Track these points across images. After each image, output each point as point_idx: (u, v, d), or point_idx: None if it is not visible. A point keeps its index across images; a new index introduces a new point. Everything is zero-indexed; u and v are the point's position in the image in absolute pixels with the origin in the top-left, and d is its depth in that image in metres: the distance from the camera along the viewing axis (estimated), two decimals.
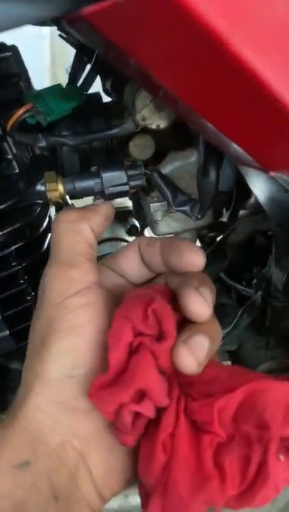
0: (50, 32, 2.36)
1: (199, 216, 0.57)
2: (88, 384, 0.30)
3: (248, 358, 0.72)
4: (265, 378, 0.30)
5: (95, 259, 0.37)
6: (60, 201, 0.55)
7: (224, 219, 0.79)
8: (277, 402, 0.28)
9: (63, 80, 0.64)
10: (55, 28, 0.77)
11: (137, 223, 0.95)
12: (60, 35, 0.80)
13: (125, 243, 0.89)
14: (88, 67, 0.68)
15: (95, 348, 0.32)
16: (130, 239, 0.91)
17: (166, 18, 0.26)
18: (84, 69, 0.69)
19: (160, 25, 0.26)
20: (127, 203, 0.98)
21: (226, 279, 0.85)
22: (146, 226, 0.98)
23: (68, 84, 0.66)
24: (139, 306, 0.31)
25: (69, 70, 0.68)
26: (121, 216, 0.95)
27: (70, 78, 0.67)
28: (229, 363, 0.68)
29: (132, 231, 0.93)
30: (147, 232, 1.01)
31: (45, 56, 2.63)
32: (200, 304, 0.31)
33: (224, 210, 0.83)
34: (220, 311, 0.84)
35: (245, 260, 0.87)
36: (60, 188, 0.54)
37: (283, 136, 0.33)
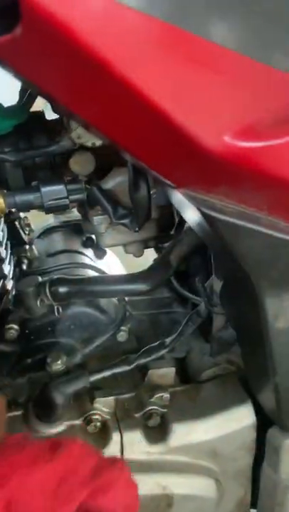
0: None
1: (137, 229, 0.60)
2: None
3: (194, 364, 0.75)
4: (27, 462, 0.31)
5: None
6: (1, 214, 0.57)
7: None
8: (36, 492, 0.30)
9: None
10: None
11: (93, 236, 0.97)
12: None
13: (79, 255, 0.91)
14: None
15: None
16: (86, 251, 0.93)
17: (58, 50, 0.29)
18: None
19: (52, 54, 0.29)
20: None
21: (178, 288, 0.88)
22: None
23: (19, 102, 0.69)
24: None
25: None
26: (77, 228, 0.97)
27: (19, 96, 0.70)
28: (173, 369, 0.70)
29: (88, 243, 0.95)
30: None
31: None
32: None
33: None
34: (172, 319, 0.87)
35: (198, 270, 0.91)
36: (1, 201, 0.56)
37: (183, 158, 0.36)
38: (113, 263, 1.05)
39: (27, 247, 0.82)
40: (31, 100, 0.60)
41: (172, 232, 0.79)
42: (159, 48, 0.32)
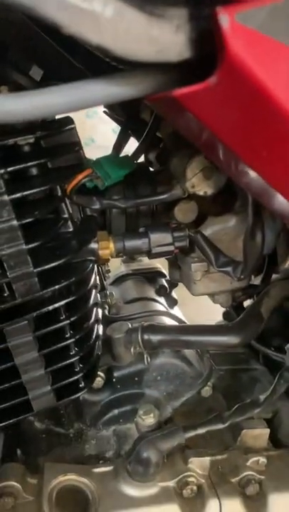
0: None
1: (242, 277, 0.59)
2: None
3: (285, 427, 0.70)
4: None
5: None
6: (110, 258, 0.57)
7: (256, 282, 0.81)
8: None
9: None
10: None
11: (165, 284, 0.97)
12: (104, 112, 0.89)
13: (156, 303, 0.90)
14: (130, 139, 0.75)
15: None
16: (159, 299, 0.92)
17: (251, 104, 0.30)
18: (127, 140, 0.76)
19: (244, 108, 0.30)
20: (154, 264, 1.01)
21: (255, 344, 0.84)
22: (175, 286, 0.99)
23: (113, 153, 0.72)
24: None
25: (88, 143, 0.74)
26: (149, 277, 0.97)
27: (114, 148, 0.74)
28: (268, 430, 0.65)
29: (161, 291, 0.94)
30: (174, 293, 1.02)
31: None
32: None
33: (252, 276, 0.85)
34: (251, 376, 0.83)
35: (274, 326, 0.87)
36: (111, 246, 0.56)
37: None
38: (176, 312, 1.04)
39: (108, 292, 0.82)
40: (139, 153, 0.63)
41: (258, 283, 0.78)
42: None
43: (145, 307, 0.85)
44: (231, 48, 0.27)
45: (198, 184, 0.55)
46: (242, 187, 0.45)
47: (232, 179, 0.49)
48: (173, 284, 0.97)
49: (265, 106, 0.30)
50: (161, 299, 0.93)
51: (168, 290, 0.95)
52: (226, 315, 0.96)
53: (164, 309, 0.88)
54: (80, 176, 0.53)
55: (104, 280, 0.88)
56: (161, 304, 0.90)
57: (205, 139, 0.37)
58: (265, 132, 0.32)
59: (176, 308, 1.04)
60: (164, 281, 0.96)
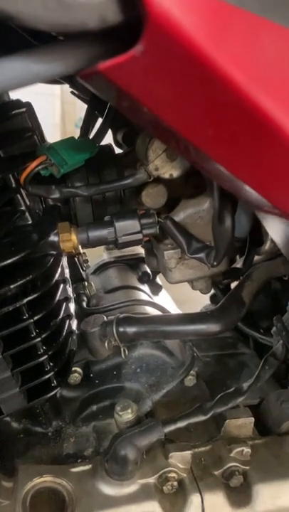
0: (60, 90, 2.50)
1: (215, 263, 0.56)
2: None
3: (272, 413, 0.67)
4: None
5: None
6: (74, 251, 0.54)
7: (238, 265, 0.78)
8: None
9: (73, 135, 0.65)
10: (65, 86, 0.81)
11: (148, 270, 0.94)
12: (71, 92, 0.84)
13: (137, 291, 0.87)
14: (99, 120, 0.70)
15: None
16: (142, 286, 0.89)
17: (185, 71, 0.26)
18: (95, 122, 0.71)
19: (177, 76, 0.26)
20: (138, 250, 0.98)
21: (243, 328, 0.82)
22: (158, 273, 0.96)
23: (80, 137, 0.68)
24: None
25: (79, 124, 0.70)
26: (132, 263, 0.94)
27: (81, 131, 0.69)
28: (252, 419, 0.63)
29: (144, 278, 0.91)
30: (159, 279, 0.99)
31: (55, 113, 2.76)
32: None
33: (238, 257, 0.81)
34: (238, 361, 0.80)
35: (262, 307, 0.85)
36: (74, 238, 0.53)
37: None
38: (163, 296, 1.01)
39: (86, 283, 0.79)
40: (102, 134, 0.59)
41: (240, 266, 0.75)
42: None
43: (126, 296, 0.82)
44: (154, 7, 0.23)
45: (162, 166, 0.51)
46: (203, 173, 0.41)
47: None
48: (157, 271, 0.94)
49: (201, 70, 0.26)
50: (145, 287, 0.90)
51: (151, 276, 0.92)
52: (213, 298, 0.93)
53: (147, 297, 0.85)
54: (32, 164, 0.49)
55: (84, 270, 0.85)
56: (143, 292, 0.87)
57: (149, 121, 0.33)
58: (206, 105, 0.28)
59: (162, 293, 1.01)
60: (146, 268, 0.92)
